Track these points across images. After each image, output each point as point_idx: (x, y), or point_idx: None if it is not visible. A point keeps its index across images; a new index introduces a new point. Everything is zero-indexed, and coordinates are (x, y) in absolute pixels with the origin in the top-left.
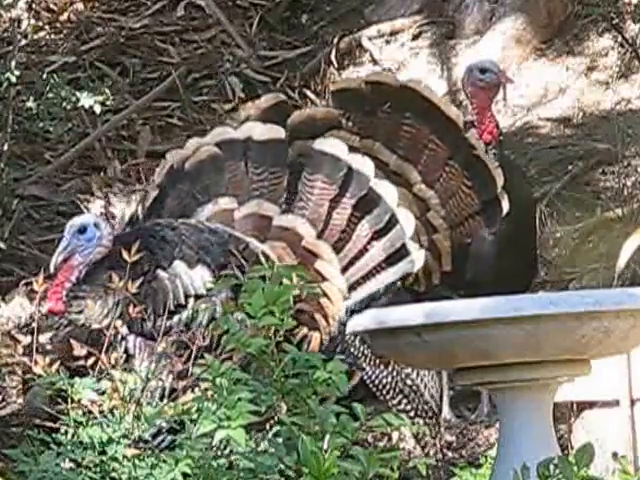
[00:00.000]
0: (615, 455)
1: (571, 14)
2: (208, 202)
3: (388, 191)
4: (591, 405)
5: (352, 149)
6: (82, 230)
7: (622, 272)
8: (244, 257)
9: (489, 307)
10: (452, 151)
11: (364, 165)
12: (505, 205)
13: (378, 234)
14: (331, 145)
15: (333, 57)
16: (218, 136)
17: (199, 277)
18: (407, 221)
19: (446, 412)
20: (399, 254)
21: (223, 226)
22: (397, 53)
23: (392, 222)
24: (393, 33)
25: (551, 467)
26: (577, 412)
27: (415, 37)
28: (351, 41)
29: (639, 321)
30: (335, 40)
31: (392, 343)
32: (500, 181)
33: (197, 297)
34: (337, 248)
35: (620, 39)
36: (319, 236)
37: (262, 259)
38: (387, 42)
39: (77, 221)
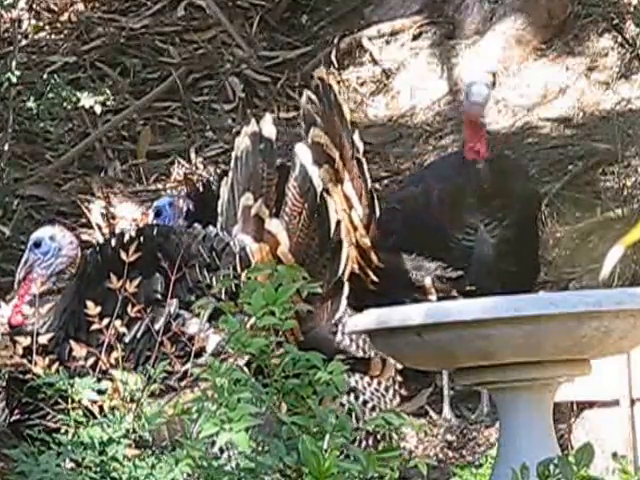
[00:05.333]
0: (615, 455)
1: (571, 14)
2: (242, 196)
3: (331, 207)
4: (591, 405)
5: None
6: (37, 244)
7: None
8: (218, 257)
9: (489, 307)
10: (353, 151)
11: (316, 176)
12: (377, 210)
13: (328, 259)
14: (301, 151)
15: (333, 57)
16: (250, 127)
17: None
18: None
19: (446, 412)
20: (338, 285)
21: (210, 228)
22: (397, 53)
23: (337, 248)
24: (393, 33)
25: (551, 467)
26: (577, 412)
27: (415, 37)
28: (351, 41)
29: (639, 321)
30: (335, 40)
31: (392, 343)
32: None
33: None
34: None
35: (620, 39)
36: (291, 248)
37: (237, 262)
38: (387, 42)
39: (33, 236)
